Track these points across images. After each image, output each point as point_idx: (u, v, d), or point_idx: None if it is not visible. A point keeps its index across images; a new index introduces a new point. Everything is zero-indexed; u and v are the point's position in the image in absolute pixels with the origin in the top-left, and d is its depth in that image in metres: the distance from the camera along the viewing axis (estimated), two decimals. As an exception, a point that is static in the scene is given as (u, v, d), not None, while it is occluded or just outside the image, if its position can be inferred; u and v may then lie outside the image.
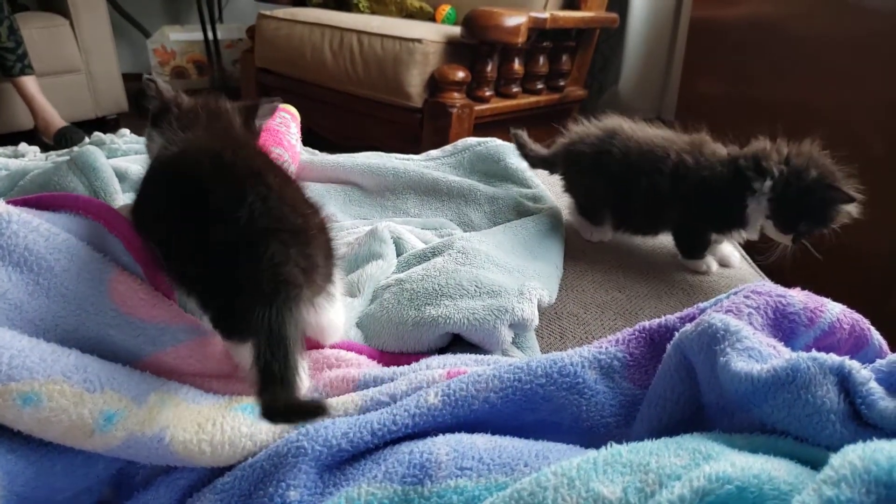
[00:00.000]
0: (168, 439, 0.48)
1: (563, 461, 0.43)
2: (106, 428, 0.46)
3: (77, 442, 0.45)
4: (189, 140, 0.62)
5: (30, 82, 2.48)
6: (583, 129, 1.04)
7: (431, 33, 2.08)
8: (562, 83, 2.46)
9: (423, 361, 0.65)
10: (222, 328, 0.54)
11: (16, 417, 0.43)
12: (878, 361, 0.49)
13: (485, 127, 2.15)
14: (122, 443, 0.47)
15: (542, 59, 2.30)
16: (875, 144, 1.42)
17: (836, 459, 0.35)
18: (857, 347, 0.56)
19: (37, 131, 2.54)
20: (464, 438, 0.50)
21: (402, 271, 0.84)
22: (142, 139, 1.18)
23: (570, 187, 1.08)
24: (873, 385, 0.44)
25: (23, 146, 1.13)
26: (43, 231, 0.52)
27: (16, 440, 0.45)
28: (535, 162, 1.10)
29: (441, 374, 0.59)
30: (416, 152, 1.26)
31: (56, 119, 2.52)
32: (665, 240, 1.05)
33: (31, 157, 1.07)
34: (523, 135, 1.09)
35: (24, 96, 2.48)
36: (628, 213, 1.01)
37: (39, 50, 2.55)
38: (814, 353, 0.46)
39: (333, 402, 0.56)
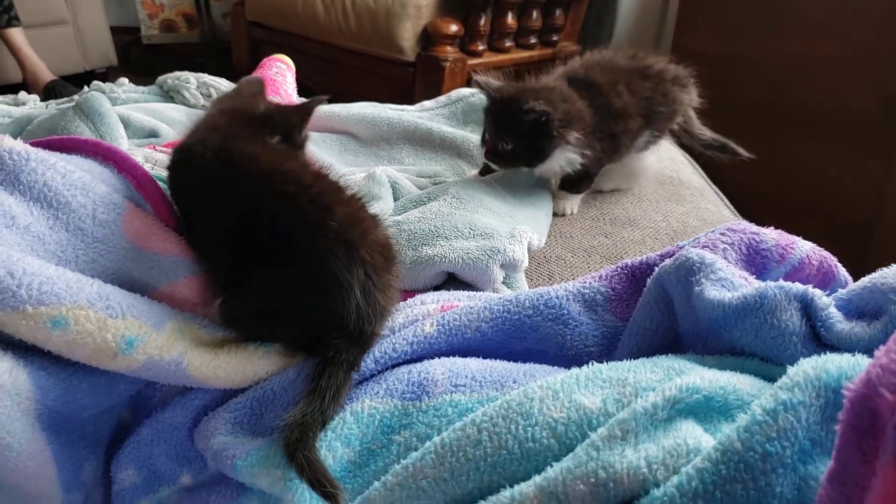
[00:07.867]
0: (185, 364, 0.52)
1: (549, 377, 0.47)
2: (128, 351, 0.49)
3: (101, 363, 0.49)
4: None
5: (17, 34, 2.44)
6: None
7: (424, -14, 2.06)
8: (555, 38, 2.45)
9: (418, 297, 0.68)
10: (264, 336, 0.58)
11: (46, 339, 0.46)
12: (840, 291, 0.52)
13: (477, 82, 2.16)
14: (142, 365, 0.50)
15: (535, 14, 2.28)
16: (861, 98, 1.45)
17: (791, 369, 0.39)
18: (825, 283, 0.60)
19: (26, 84, 2.51)
20: (458, 361, 0.54)
21: (399, 214, 0.87)
22: (140, 88, 1.19)
23: None
24: (832, 310, 0.48)
25: (23, 94, 1.14)
26: (59, 168, 0.55)
27: (47, 359, 0.48)
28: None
29: (435, 308, 0.63)
30: (409, 106, 1.27)
31: (45, 72, 2.49)
32: (653, 195, 1.09)
33: (31, 106, 1.08)
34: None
35: (12, 48, 2.44)
36: None
37: (25, 1, 2.51)
38: (780, 282, 0.50)
39: None
